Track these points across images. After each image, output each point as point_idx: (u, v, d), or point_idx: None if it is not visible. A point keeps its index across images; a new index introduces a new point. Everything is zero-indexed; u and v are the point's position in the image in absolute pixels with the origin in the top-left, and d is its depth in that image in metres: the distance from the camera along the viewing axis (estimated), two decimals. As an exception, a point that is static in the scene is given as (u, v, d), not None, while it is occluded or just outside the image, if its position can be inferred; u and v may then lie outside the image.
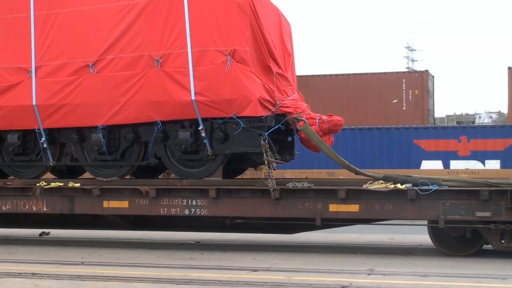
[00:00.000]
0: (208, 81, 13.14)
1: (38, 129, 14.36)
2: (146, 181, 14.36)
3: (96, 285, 9.91)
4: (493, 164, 24.43)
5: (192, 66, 13.21)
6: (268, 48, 13.58)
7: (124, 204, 13.99)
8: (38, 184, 14.35)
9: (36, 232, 17.14)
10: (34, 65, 14.27)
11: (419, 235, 14.76)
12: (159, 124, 13.55)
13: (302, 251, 14.16)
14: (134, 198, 13.89)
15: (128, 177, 14.77)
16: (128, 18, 13.66)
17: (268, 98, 13.24)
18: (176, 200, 13.71)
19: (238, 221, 14.07)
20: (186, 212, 13.69)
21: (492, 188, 12.58)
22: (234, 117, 13.09)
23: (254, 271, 11.45)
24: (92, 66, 13.80)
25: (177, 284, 10.05)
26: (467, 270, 11.38)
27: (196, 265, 12.17)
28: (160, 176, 15.85)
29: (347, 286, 9.77)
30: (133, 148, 14.16)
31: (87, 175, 15.17)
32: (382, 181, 13.09)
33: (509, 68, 29.05)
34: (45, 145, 14.38)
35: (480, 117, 72.67)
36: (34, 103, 14.16)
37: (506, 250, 12.69)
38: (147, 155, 14.00)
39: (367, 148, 24.92)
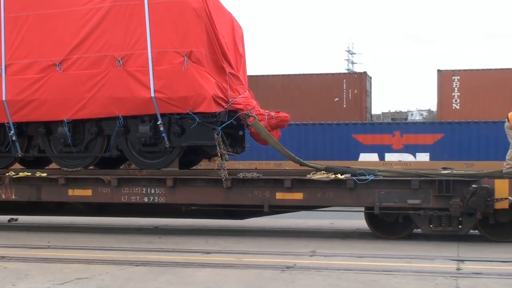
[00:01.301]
0: (167, 79, 13.13)
1: (7, 123, 14.16)
2: (108, 171, 14.28)
3: (61, 267, 9.80)
4: (423, 157, 24.72)
5: (152, 66, 13.18)
6: (222, 50, 13.61)
7: (88, 192, 13.94)
8: (7, 174, 14.20)
9: (5, 218, 16.86)
10: (4, 63, 14.06)
11: (357, 220, 14.89)
12: (120, 118, 13.51)
13: (251, 235, 14.20)
14: (97, 186, 13.86)
15: (91, 167, 14.63)
16: (93, 21, 13.56)
17: (221, 95, 13.31)
18: (136, 189, 13.70)
19: (193, 208, 14.11)
20: (145, 199, 13.70)
21: (422, 178, 12.80)
22: (190, 113, 13.10)
23: (207, 253, 11.46)
24: (58, 65, 13.66)
25: (136, 265, 9.99)
26: (399, 251, 11.53)
27: (154, 248, 12.13)
28: (121, 167, 15.75)
29: (291, 267, 9.83)
30: (97, 141, 14.06)
31: (53, 165, 14.98)
32: (324, 172, 13.22)
33: (438, 70, 29.46)
34: (14, 138, 14.18)
35: (412, 115, 73.55)
36: (4, 98, 13.96)
37: (434, 234, 12.91)
38: (110, 147, 13.93)
39: (311, 141, 25.03)
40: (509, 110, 13.38)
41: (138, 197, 13.70)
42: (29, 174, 14.14)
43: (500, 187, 12.38)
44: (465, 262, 10.43)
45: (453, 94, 28.71)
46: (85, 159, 14.24)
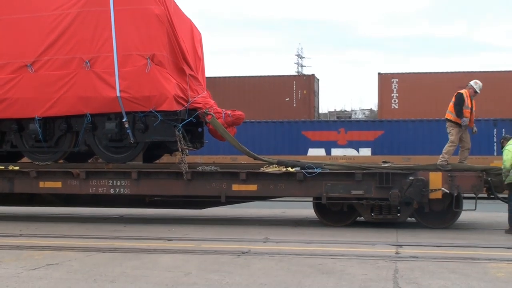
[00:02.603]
0: (131, 80, 13.06)
1: (-19, 120, 13.90)
2: (77, 165, 14.18)
3: (33, 254, 9.65)
4: (366, 152, 24.95)
5: (117, 68, 13.11)
6: (182, 53, 13.59)
7: (58, 184, 13.84)
8: (-19, 168, 13.93)
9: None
10: None
11: (306, 210, 15.00)
12: (88, 116, 13.43)
13: (209, 223, 14.18)
14: (66, 179, 13.77)
15: (61, 161, 14.47)
16: (62, 25, 13.43)
17: (182, 95, 13.31)
18: (103, 181, 13.65)
19: (156, 198, 14.13)
20: (112, 191, 13.64)
21: (364, 171, 12.94)
22: (153, 111, 13.07)
23: (169, 240, 11.41)
24: (30, 66, 13.50)
25: (103, 252, 9.89)
26: (344, 237, 11.65)
27: (119, 236, 12.02)
28: (89, 161, 15.57)
29: (247, 252, 9.85)
30: (66, 137, 13.93)
31: (25, 159, 14.75)
32: (276, 165, 13.26)
33: (379, 73, 29.75)
34: (-13, 134, 13.93)
35: (355, 113, 74.07)
36: None
37: (375, 221, 13.07)
38: (78, 142, 13.82)
39: (264, 138, 25.05)
40: (442, 110, 13.58)
41: (105, 188, 13.66)
42: (2, 167, 13.93)
43: (434, 179, 12.60)
44: (403, 246, 10.58)
45: (392, 95, 29.05)
46: (55, 154, 14.09)
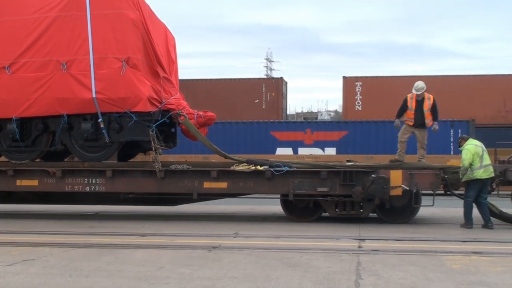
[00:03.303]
0: (107, 82, 12.97)
1: (-40, 120, 13.67)
2: (53, 163, 14.03)
3: (10, 250, 9.51)
4: (331, 151, 25.04)
5: (93, 70, 13.00)
6: (156, 57, 13.53)
7: (35, 182, 13.71)
8: (-41, 166, 13.69)
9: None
10: None
11: (274, 206, 15.03)
12: (65, 117, 13.32)
13: (182, 219, 14.12)
14: (43, 177, 13.64)
15: (38, 160, 14.28)
16: (40, 28, 13.29)
17: (155, 97, 13.26)
18: (79, 179, 13.56)
19: (130, 196, 14.04)
20: (87, 189, 13.55)
21: (329, 169, 13.02)
22: (127, 112, 12.99)
23: (143, 236, 11.33)
24: (7, 68, 13.31)
25: (78, 247, 9.79)
26: (310, 232, 11.69)
27: (95, 232, 11.92)
28: (65, 160, 15.41)
29: (217, 247, 9.83)
30: (43, 136, 13.80)
31: (2, 158, 14.53)
32: (246, 164, 13.29)
33: (343, 77, 29.91)
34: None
35: (321, 115, 74.37)
36: None
37: (339, 217, 13.16)
38: (55, 142, 13.69)
39: (234, 137, 25.01)
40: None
41: (80, 186, 13.56)
42: (-20, 166, 13.69)
43: (395, 176, 12.72)
44: (365, 240, 10.66)
45: (356, 97, 29.24)
46: (32, 153, 13.92)
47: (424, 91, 13.76)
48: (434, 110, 13.72)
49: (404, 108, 13.84)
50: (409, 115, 13.75)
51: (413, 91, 13.76)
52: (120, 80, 12.88)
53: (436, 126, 13.90)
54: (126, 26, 12.99)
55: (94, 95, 12.95)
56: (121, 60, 12.88)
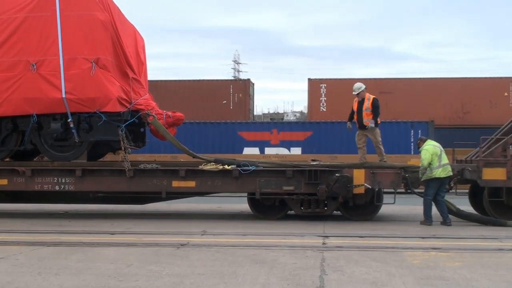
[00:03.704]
0: (76, 82, 12.85)
1: None
2: (23, 163, 13.83)
3: (-21, 248, 9.33)
4: (296, 151, 25.13)
5: (63, 70, 12.88)
6: (126, 58, 13.44)
7: (4, 181, 13.48)
8: None
9: None
10: None
11: (241, 204, 15.03)
12: (34, 116, 13.14)
13: (150, 218, 14.02)
14: (12, 176, 13.42)
15: (7, 159, 14.03)
16: (9, 29, 13.13)
17: (125, 97, 13.18)
18: (48, 178, 13.39)
19: (99, 194, 13.90)
20: (57, 188, 13.39)
21: (295, 169, 13.07)
22: (97, 112, 12.89)
23: (112, 234, 11.23)
24: (-23, 68, 13.05)
25: (48, 246, 9.64)
26: (276, 230, 11.72)
27: (64, 230, 11.75)
28: (35, 159, 15.18)
29: (185, 244, 9.79)
30: (12, 136, 13.57)
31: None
32: (214, 163, 13.27)
33: (309, 79, 29.99)
34: None
35: (287, 115, 74.54)
36: None
37: (304, 214, 13.21)
38: (24, 141, 13.46)
39: (203, 137, 24.93)
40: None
41: (50, 185, 13.39)
42: (-51, 165, 13.39)
43: (358, 175, 12.83)
44: (329, 237, 10.73)
45: (320, 99, 29.36)
46: (1, 152, 13.70)
47: (362, 91, 13.92)
48: (374, 109, 13.75)
49: (352, 112, 14.07)
50: (355, 118, 13.98)
51: (353, 93, 13.97)
52: (90, 80, 12.76)
53: (371, 124, 13.69)
54: (96, 27, 12.90)
55: (63, 95, 12.83)
56: (91, 61, 12.78)
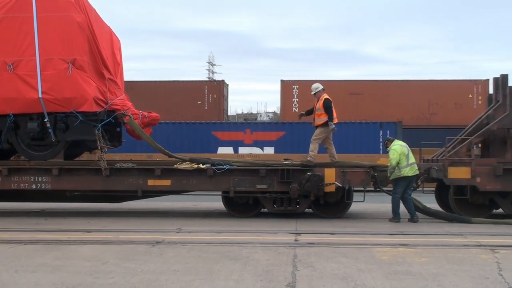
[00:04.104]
0: (53, 83, 12.72)
1: None
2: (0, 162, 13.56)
3: (-45, 247, 9.17)
4: (269, 150, 25.15)
5: (40, 71, 12.74)
6: (102, 59, 13.33)
7: (-19, 180, 13.21)
8: None
9: None
10: None
11: (216, 202, 15.00)
12: (11, 116, 12.97)
13: (127, 216, 13.92)
14: (-11, 175, 13.17)
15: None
16: (-14, 29, 12.84)
17: (101, 97, 13.08)
18: (25, 177, 13.22)
19: (76, 193, 13.75)
20: (33, 186, 13.22)
21: (268, 168, 13.09)
22: (73, 112, 12.77)
23: (88, 232, 11.12)
24: (-47, 68, 12.82)
25: (25, 244, 9.51)
26: (249, 227, 11.73)
27: (41, 228, 11.61)
28: (11, 158, 14.95)
29: (161, 242, 9.74)
30: (-11, 135, 13.32)
31: None
32: (189, 162, 13.24)
33: (281, 80, 30.05)
34: None
35: (261, 116, 74.65)
36: None
37: (277, 212, 13.24)
38: (1, 141, 13.26)
39: (178, 137, 24.82)
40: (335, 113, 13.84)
41: (26, 184, 13.22)
42: None
43: (329, 174, 12.91)
44: (301, 234, 10.77)
45: (293, 99, 29.45)
46: (-22, 152, 13.44)
47: (319, 91, 13.74)
48: (325, 110, 13.38)
49: (311, 109, 13.97)
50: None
51: (311, 93, 13.98)
52: (66, 81, 12.64)
53: (331, 126, 13.39)
54: (72, 28, 12.77)
55: (40, 95, 12.69)
56: (67, 62, 12.67)
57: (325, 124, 13.43)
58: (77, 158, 15.61)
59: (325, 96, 13.66)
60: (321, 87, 13.90)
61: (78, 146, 14.34)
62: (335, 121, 13.52)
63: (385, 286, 6.75)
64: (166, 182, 13.11)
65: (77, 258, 8.33)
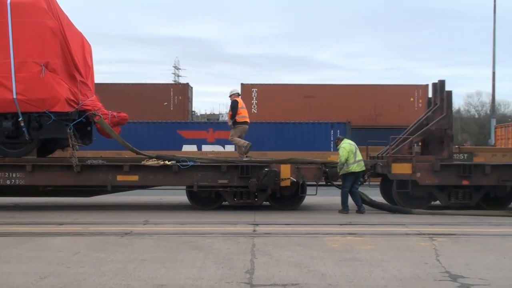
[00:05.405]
0: (27, 84, 12.47)
1: None
2: (-25, 159, 13.20)
3: None
4: (230, 148, 25.00)
5: (14, 73, 12.47)
6: (74, 62, 13.12)
7: (-43, 176, 12.82)
8: None
9: None
10: None
11: (180, 196, 14.92)
12: (-14, 115, 12.60)
13: (96, 209, 13.71)
14: (-35, 172, 12.80)
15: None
16: (-38, 33, 12.47)
17: (73, 98, 12.89)
18: (0, 173, 12.83)
19: (48, 188, 13.51)
20: (8, 182, 12.92)
21: (229, 164, 13.08)
22: (46, 112, 12.55)
23: (60, 224, 10.92)
24: None
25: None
26: (211, 219, 11.69)
27: (15, 221, 11.34)
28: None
29: (129, 233, 9.64)
30: (-35, 134, 12.95)
31: None
32: (155, 159, 13.13)
33: (241, 84, 30.00)
34: None
35: (222, 116, 74.31)
36: None
37: (237, 205, 13.25)
38: (-23, 139, 12.88)
39: (145, 136, 24.54)
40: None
41: (1, 180, 12.91)
42: None
43: (284, 170, 12.97)
44: (259, 225, 10.80)
45: (252, 101, 29.46)
46: (-46, 149, 13.03)
47: (232, 94, 14.54)
48: (231, 110, 14.46)
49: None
50: None
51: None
52: (40, 82, 12.41)
53: (229, 124, 14.61)
54: (45, 33, 12.55)
55: (14, 96, 12.42)
56: (41, 65, 12.43)
57: (233, 123, 14.33)
58: (50, 155, 15.31)
59: (234, 98, 14.42)
60: (236, 91, 14.66)
61: (51, 144, 14.07)
62: (245, 119, 14.45)
63: (335, 272, 6.83)
64: (134, 178, 12.98)
65: (50, 249, 8.18)
